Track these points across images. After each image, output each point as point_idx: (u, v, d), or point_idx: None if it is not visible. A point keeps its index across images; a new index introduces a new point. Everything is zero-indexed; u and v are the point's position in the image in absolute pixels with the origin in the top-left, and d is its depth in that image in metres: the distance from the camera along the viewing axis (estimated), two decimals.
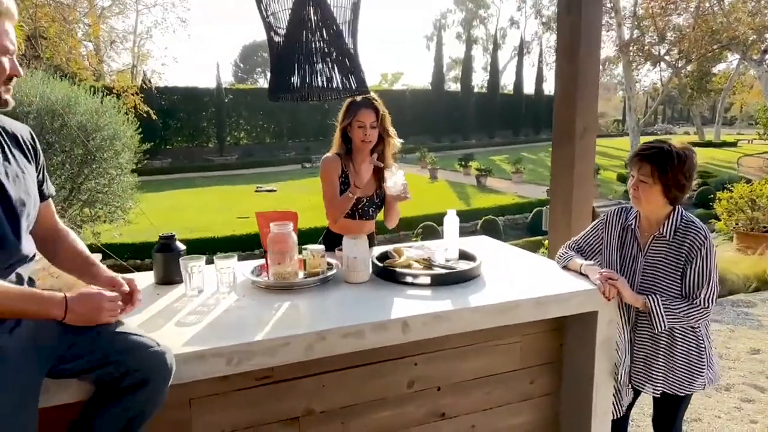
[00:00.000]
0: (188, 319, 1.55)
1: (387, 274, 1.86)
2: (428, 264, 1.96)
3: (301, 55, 1.62)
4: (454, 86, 35.09)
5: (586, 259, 1.96)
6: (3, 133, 1.29)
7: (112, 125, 8.83)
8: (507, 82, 37.92)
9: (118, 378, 1.16)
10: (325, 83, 1.64)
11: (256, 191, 16.21)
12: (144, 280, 1.91)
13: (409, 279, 1.82)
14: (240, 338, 1.40)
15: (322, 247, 1.89)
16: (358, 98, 2.25)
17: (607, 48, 20.83)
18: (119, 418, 1.18)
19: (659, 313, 1.71)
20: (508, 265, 2.11)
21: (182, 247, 1.92)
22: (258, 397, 1.57)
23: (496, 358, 1.88)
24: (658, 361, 1.83)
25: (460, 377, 1.84)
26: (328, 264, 1.95)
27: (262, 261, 1.99)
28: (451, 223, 2.09)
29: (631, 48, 20.37)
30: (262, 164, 21.95)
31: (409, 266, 1.93)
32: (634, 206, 1.86)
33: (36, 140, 1.39)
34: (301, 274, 1.89)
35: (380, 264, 1.90)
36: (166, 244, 1.89)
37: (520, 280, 1.91)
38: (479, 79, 37.33)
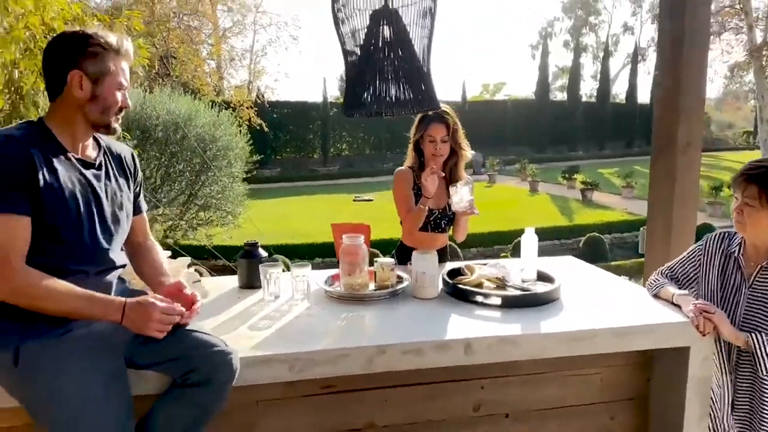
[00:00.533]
0: (260, 323, 1.63)
1: (456, 292, 1.83)
2: (501, 284, 1.89)
3: (374, 71, 1.65)
4: (560, 96, 33.70)
5: (680, 288, 1.78)
6: (108, 154, 1.46)
7: (227, 137, 9.59)
8: (618, 90, 35.70)
9: (184, 374, 1.25)
10: (395, 99, 1.66)
11: (354, 200, 16.69)
12: (229, 283, 2.04)
13: (479, 299, 1.77)
14: (303, 346, 1.45)
15: (392, 260, 1.90)
16: (431, 112, 2.24)
17: (737, 53, 18.83)
18: (184, 414, 1.27)
19: (764, 353, 1.51)
20: (593, 289, 1.98)
21: (264, 253, 2.03)
22: (322, 405, 1.61)
23: (573, 389, 1.76)
24: (764, 411, 1.60)
25: (532, 405, 1.75)
26: (399, 277, 1.96)
27: (337, 270, 2.04)
28: (529, 242, 2.00)
29: (763, 52, 18.23)
30: (362, 174, 22.56)
31: (480, 285, 1.87)
32: (738, 232, 1.66)
33: (136, 161, 1.56)
34: (372, 286, 1.92)
35: (450, 281, 1.86)
36: (249, 251, 2.01)
37: (602, 306, 1.78)
38: (587, 88, 35.46)
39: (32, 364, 1.19)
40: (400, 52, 1.68)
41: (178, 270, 1.75)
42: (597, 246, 10.56)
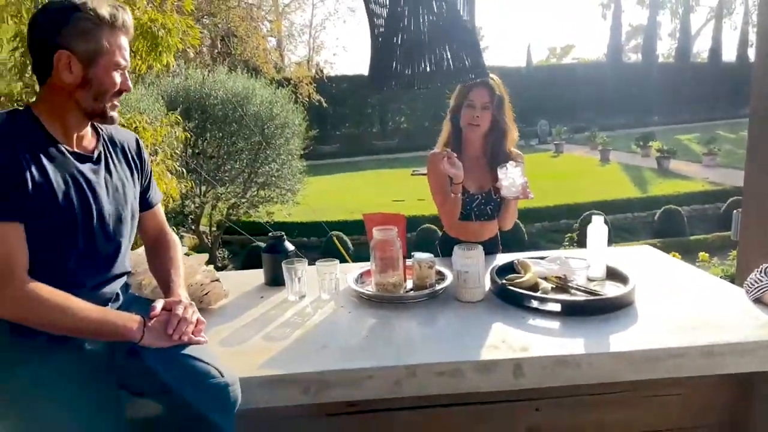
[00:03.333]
0: (278, 332, 1.44)
1: (507, 294, 1.56)
2: (562, 284, 1.60)
3: (405, 35, 1.38)
4: (633, 57, 31.39)
5: None
6: (109, 144, 1.29)
7: (284, 114, 9.57)
8: (700, 48, 32.75)
9: (176, 408, 1.08)
10: (432, 67, 1.38)
11: (412, 174, 16.39)
12: (255, 279, 1.87)
13: (534, 304, 1.49)
14: (321, 363, 1.25)
15: (429, 255, 1.65)
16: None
17: None
18: None
19: None
20: (675, 290, 1.64)
21: (291, 248, 1.84)
22: (347, 426, 1.42)
23: (648, 413, 1.47)
24: None
25: (597, 431, 1.47)
26: (440, 274, 1.71)
27: (369, 265, 1.82)
28: (597, 233, 1.68)
29: None
30: (420, 147, 22.16)
31: (535, 286, 1.59)
32: None
33: (142, 149, 1.39)
34: (408, 284, 1.69)
35: (499, 281, 1.59)
36: (273, 244, 1.83)
37: (687, 314, 1.45)
38: (665, 48, 32.74)
39: (13, 385, 1.06)
40: (435, 9, 1.39)
41: (194, 269, 1.60)
42: (673, 219, 9.74)
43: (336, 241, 7.70)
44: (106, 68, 1.16)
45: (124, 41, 1.20)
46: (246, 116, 9.03)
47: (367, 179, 16.28)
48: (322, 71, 19.92)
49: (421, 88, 1.47)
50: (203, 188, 8.67)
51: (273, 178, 9.77)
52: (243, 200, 9.65)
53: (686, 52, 27.91)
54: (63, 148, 1.17)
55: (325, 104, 16.63)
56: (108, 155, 1.28)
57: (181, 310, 1.17)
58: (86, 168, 1.20)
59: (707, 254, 6.18)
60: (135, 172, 1.34)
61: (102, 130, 1.30)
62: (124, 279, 1.31)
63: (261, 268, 1.86)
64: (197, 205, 8.57)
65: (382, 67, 1.45)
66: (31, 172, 1.08)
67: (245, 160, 9.36)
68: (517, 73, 24.40)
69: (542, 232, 9.96)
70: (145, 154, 1.40)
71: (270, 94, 9.48)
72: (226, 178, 9.01)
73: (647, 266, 1.86)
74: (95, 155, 1.24)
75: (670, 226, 9.80)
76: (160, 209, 1.47)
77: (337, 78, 23.79)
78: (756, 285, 1.50)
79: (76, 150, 1.20)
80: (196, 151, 8.62)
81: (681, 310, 1.48)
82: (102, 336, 1.13)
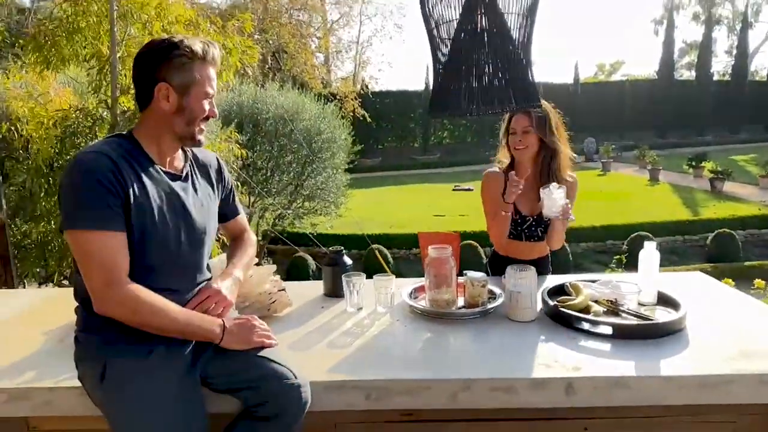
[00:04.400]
0: (340, 340, 1.55)
1: (558, 315, 1.61)
2: (613, 308, 1.64)
3: (465, 68, 1.47)
4: (687, 74, 30.44)
5: None
6: (194, 164, 1.45)
7: (330, 129, 9.82)
8: (758, 67, 31.46)
9: (255, 405, 1.20)
10: (488, 98, 1.47)
11: (453, 189, 16.39)
12: (315, 290, 1.99)
13: (585, 326, 1.54)
14: (382, 372, 1.34)
15: (482, 274, 1.72)
16: None
17: None
18: None
19: None
20: (727, 317, 1.65)
21: (349, 261, 1.95)
22: None
23: None
24: None
25: None
26: (491, 293, 1.78)
27: (423, 281, 1.90)
28: (650, 258, 1.72)
29: None
30: (462, 163, 22.12)
31: (587, 309, 1.64)
32: None
33: (223, 167, 1.54)
34: (460, 302, 1.76)
35: (550, 302, 1.65)
36: (334, 258, 1.94)
37: (739, 340, 1.47)
38: (720, 65, 31.59)
39: (117, 382, 1.20)
40: (496, 44, 1.49)
41: (263, 278, 1.72)
42: (727, 244, 9.39)
43: (377, 254, 7.80)
44: (197, 97, 1.31)
45: (212, 72, 1.35)
46: (295, 131, 9.31)
47: (409, 193, 16.37)
48: (367, 87, 20.27)
49: (477, 115, 1.55)
50: (251, 199, 8.97)
51: (318, 191, 10.00)
52: (289, 211, 9.91)
53: (743, 70, 26.86)
54: (158, 168, 1.32)
55: (368, 119, 16.90)
56: (194, 174, 1.43)
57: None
58: (177, 186, 1.34)
59: (763, 281, 5.94)
60: (216, 187, 1.49)
61: (188, 151, 1.45)
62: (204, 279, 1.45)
63: (303, 277, 1.99)
64: (246, 215, 8.88)
65: (442, 94, 1.55)
66: (134, 189, 1.22)
67: (293, 173, 9.63)
68: (564, 90, 24.12)
69: (587, 253, 9.78)
70: (226, 172, 1.55)
71: (318, 110, 9.76)
72: (274, 190, 9.28)
73: (698, 292, 1.87)
74: (184, 174, 1.38)
75: (723, 250, 9.44)
76: (243, 218, 1.64)
77: (381, 93, 24.13)
78: None
79: (168, 170, 1.35)
80: (247, 163, 8.94)
81: (732, 337, 1.50)
82: (188, 336, 1.26)
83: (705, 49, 26.76)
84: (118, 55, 3.76)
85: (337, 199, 10.29)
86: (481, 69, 1.49)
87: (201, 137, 1.37)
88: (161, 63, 1.27)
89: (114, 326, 1.21)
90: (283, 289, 1.74)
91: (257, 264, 1.71)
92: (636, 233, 8.81)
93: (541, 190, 1.93)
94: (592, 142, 20.72)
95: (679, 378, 1.29)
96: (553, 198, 1.88)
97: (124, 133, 1.35)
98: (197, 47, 1.29)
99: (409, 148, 25.47)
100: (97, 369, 1.21)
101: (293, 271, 8.38)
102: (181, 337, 1.25)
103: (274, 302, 1.69)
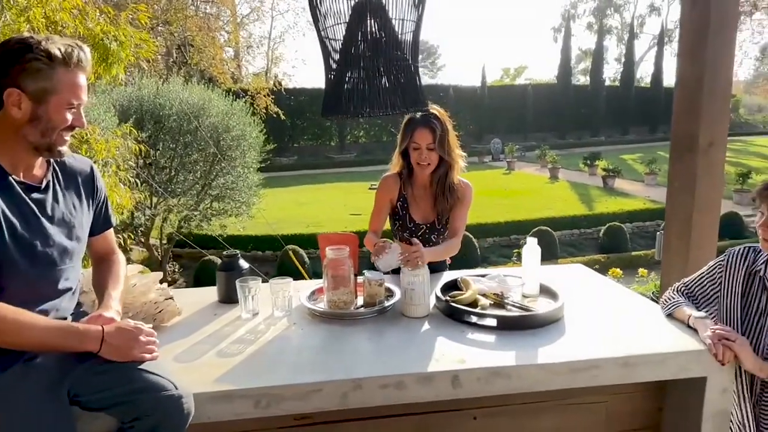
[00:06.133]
0: (231, 348, 1.50)
1: (449, 310, 1.67)
2: (499, 301, 1.73)
3: (354, 71, 1.49)
4: (582, 79, 32.84)
5: (698, 308, 1.60)
6: (59, 172, 1.32)
7: (240, 126, 9.49)
8: (644, 74, 34.62)
9: (129, 421, 1.13)
10: (378, 100, 1.50)
11: (369, 189, 16.55)
12: (209, 297, 1.92)
13: (473, 319, 1.62)
14: (272, 378, 1.32)
15: (380, 274, 1.75)
16: (418, 115, 2.03)
17: None
18: None
19: None
20: (600, 307, 1.80)
21: (245, 265, 1.90)
22: None
23: (576, 419, 1.60)
24: None
25: None
26: (389, 291, 1.81)
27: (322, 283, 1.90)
28: (531, 253, 1.83)
29: None
30: (379, 162, 22.38)
31: (475, 302, 1.72)
32: (765, 250, 1.47)
33: (96, 175, 1.42)
34: (360, 301, 1.78)
35: (443, 297, 1.71)
36: (228, 263, 1.89)
37: (608, 328, 1.61)
38: (611, 72, 34.40)
39: None
40: (384, 48, 1.51)
41: (148, 287, 1.63)
42: (617, 236, 10.27)
43: (292, 256, 7.67)
44: (57, 107, 1.20)
45: (80, 79, 1.22)
46: (201, 128, 8.92)
47: (325, 192, 16.31)
48: (280, 83, 19.86)
49: (366, 117, 1.57)
50: (154, 200, 8.48)
51: (228, 191, 9.64)
52: (195, 213, 9.48)
53: (630, 76, 29.45)
54: (11, 179, 1.20)
55: (283, 116, 16.58)
56: (56, 183, 1.31)
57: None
58: (34, 197, 1.23)
59: (646, 270, 6.55)
60: (84, 198, 1.38)
61: (54, 159, 1.32)
62: (74, 299, 1.34)
63: (213, 282, 1.91)
64: (147, 217, 8.36)
65: (333, 96, 1.56)
66: None
67: (199, 172, 9.22)
68: (472, 93, 25.11)
69: (494, 247, 10.26)
70: (99, 182, 1.44)
71: (226, 106, 9.40)
72: (179, 190, 8.83)
73: (578, 284, 2.03)
74: (43, 184, 1.27)
75: (613, 242, 10.31)
76: (111, 233, 1.51)
77: (295, 90, 23.74)
78: (669, 302, 1.68)
79: (24, 180, 1.23)
80: (148, 161, 8.43)
81: (604, 324, 1.64)
82: (64, 346, 1.16)
83: (598, 56, 29.03)
84: None
85: (249, 199, 9.98)
86: (370, 72, 1.51)
87: (62, 148, 1.25)
88: (13, 66, 1.15)
89: None
90: (171, 298, 1.65)
91: (140, 272, 1.62)
92: (537, 228, 9.40)
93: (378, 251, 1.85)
94: (498, 142, 21.75)
95: (552, 365, 1.38)
96: (386, 259, 1.81)
97: None
98: (56, 51, 1.17)
99: (325, 146, 25.33)
100: None
101: (202, 276, 8.04)
102: (53, 350, 1.15)
103: (160, 312, 1.60)
